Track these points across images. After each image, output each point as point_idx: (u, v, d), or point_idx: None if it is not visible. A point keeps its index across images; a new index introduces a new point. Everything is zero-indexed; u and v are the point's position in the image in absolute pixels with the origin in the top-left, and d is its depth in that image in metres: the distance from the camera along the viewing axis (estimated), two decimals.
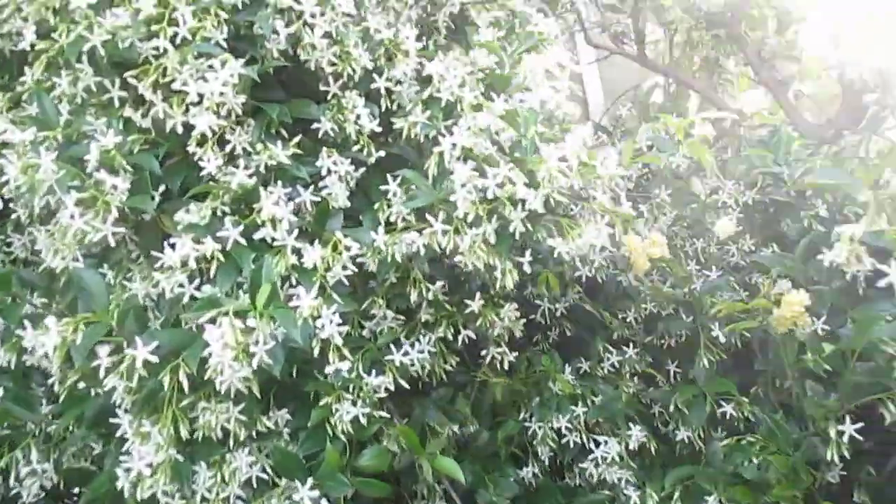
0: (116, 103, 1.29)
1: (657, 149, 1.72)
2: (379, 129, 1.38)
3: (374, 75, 1.40)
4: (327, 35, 1.32)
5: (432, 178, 1.31)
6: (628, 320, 1.88)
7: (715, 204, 1.96)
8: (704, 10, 2.35)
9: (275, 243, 1.20)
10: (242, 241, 1.18)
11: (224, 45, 1.24)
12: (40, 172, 1.11)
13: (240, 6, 1.28)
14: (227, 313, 1.05)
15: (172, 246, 1.17)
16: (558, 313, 1.83)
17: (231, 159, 1.28)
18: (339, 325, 1.12)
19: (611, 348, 1.84)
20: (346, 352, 1.12)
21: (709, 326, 1.75)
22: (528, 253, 1.30)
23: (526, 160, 1.24)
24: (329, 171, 1.31)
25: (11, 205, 1.35)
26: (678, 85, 2.56)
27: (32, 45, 1.25)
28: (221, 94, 1.18)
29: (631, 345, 1.84)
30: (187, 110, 1.23)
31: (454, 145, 1.26)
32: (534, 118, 1.29)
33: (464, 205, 1.20)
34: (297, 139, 1.30)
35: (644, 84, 2.76)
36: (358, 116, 1.36)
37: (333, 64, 1.36)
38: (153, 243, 1.27)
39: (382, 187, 1.34)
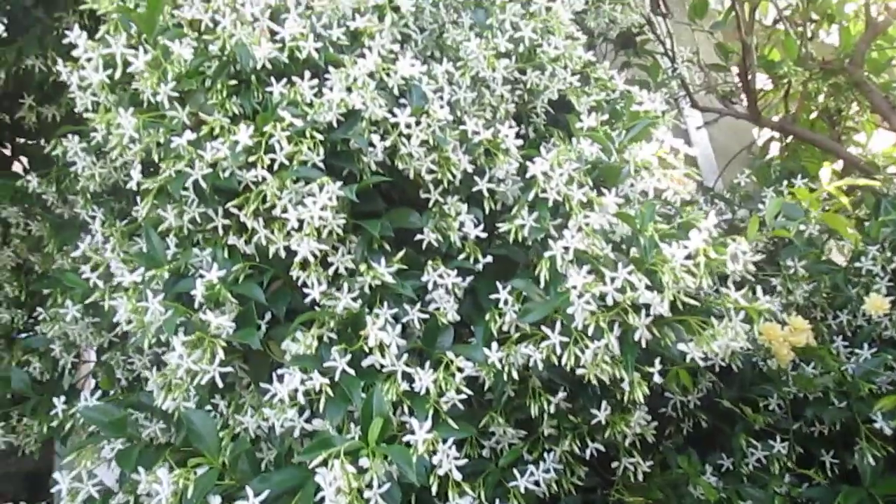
0: (220, 232, 1.28)
1: (786, 217, 1.57)
2: (484, 235, 1.31)
3: (475, 177, 1.34)
4: (424, 143, 1.28)
5: (545, 283, 1.22)
6: (771, 408, 1.71)
7: (858, 272, 1.77)
8: (819, 60, 2.20)
9: (384, 369, 1.14)
10: (351, 371, 1.12)
11: (321, 165, 1.22)
12: (148, 315, 1.10)
13: (334, 124, 1.26)
14: (338, 454, 0.99)
15: (281, 378, 1.13)
16: (691, 405, 1.68)
17: (335, 279, 1.25)
18: (457, 458, 1.03)
19: (754, 441, 1.67)
20: (466, 487, 1.03)
21: (868, 415, 1.55)
22: (657, 361, 1.18)
23: (645, 260, 1.14)
24: (435, 285, 1.25)
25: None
26: (796, 139, 2.39)
27: (139, 184, 1.27)
28: (321, 217, 1.15)
29: (777, 436, 1.66)
30: (289, 235, 1.20)
31: (566, 249, 1.18)
32: (650, 211, 1.18)
33: (581, 316, 1.11)
34: (401, 254, 1.25)
35: (759, 140, 2.60)
36: (461, 224, 1.30)
37: (432, 171, 1.31)
38: (263, 371, 1.24)
39: (492, 296, 1.27)
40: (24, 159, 2.21)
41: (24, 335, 2.02)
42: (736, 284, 1.31)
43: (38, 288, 1.92)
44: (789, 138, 2.47)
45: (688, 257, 1.11)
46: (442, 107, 1.33)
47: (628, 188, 1.35)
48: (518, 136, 1.56)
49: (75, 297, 1.58)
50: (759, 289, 1.24)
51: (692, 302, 1.11)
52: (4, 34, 1.92)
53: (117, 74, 1.22)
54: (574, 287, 1.12)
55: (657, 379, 1.17)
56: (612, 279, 1.12)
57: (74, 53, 1.27)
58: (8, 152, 2.24)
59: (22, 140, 2.22)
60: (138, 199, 1.36)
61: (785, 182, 2.05)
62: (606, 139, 1.32)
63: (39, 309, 1.80)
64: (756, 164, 2.29)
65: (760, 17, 2.48)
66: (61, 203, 1.86)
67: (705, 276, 1.10)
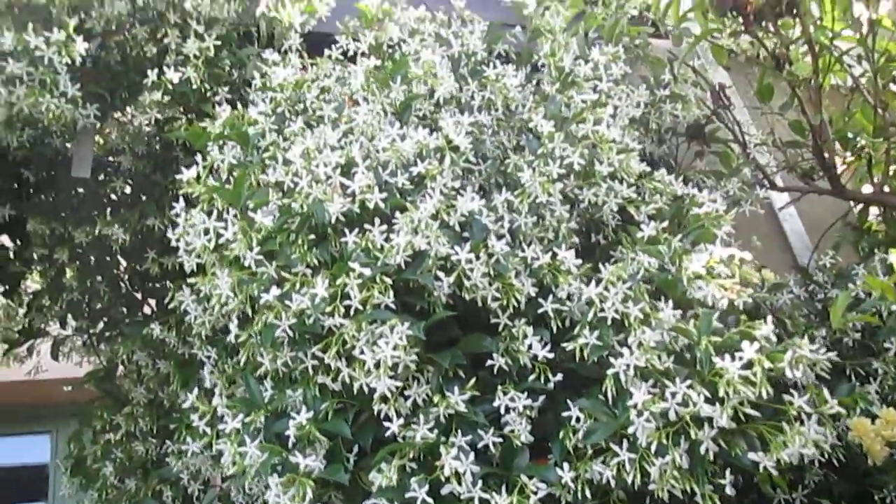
0: (311, 372, 1.41)
1: (881, 298, 1.54)
2: (551, 355, 1.38)
3: (540, 299, 1.42)
4: (486, 275, 1.38)
5: (612, 398, 1.27)
6: (888, 501, 1.63)
7: None
8: None
9: (462, 496, 1.21)
10: (430, 500, 1.20)
11: (393, 305, 1.34)
12: (248, 458, 1.23)
13: (403, 265, 1.38)
14: None
15: None
16: (797, 502, 1.63)
17: (414, 410, 1.34)
18: None
19: None
20: None
21: None
22: (728, 472, 1.19)
23: (703, 373, 1.17)
24: (507, 409, 1.32)
25: None
26: (888, 209, 2.32)
27: (237, 336, 1.43)
28: (394, 356, 1.25)
29: None
30: (369, 373, 1.31)
31: (627, 366, 1.22)
32: (707, 324, 1.22)
33: (644, 434, 1.14)
34: (472, 381, 1.33)
35: (855, 207, 2.53)
36: (529, 346, 1.37)
37: (497, 298, 1.40)
38: (356, 501, 1.33)
39: (564, 413, 1.32)
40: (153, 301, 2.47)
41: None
42: (827, 371, 1.30)
43: (166, 423, 2.12)
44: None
45: (746, 367, 1.13)
46: (502, 236, 1.44)
47: (695, 291, 1.38)
48: (588, 243, 1.64)
49: (194, 434, 1.74)
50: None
51: (753, 413, 1.12)
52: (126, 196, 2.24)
53: (212, 244, 1.39)
54: (634, 406, 1.16)
55: (729, 491, 1.17)
56: (673, 394, 1.15)
57: (178, 222, 1.47)
58: (139, 296, 2.51)
59: (150, 284, 2.49)
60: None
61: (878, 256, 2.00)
62: (663, 250, 1.37)
63: (168, 442, 1.99)
64: (847, 236, 2.23)
65: (837, 84, 2.46)
66: (181, 344, 2.07)
67: (764, 385, 1.12)
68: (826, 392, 1.20)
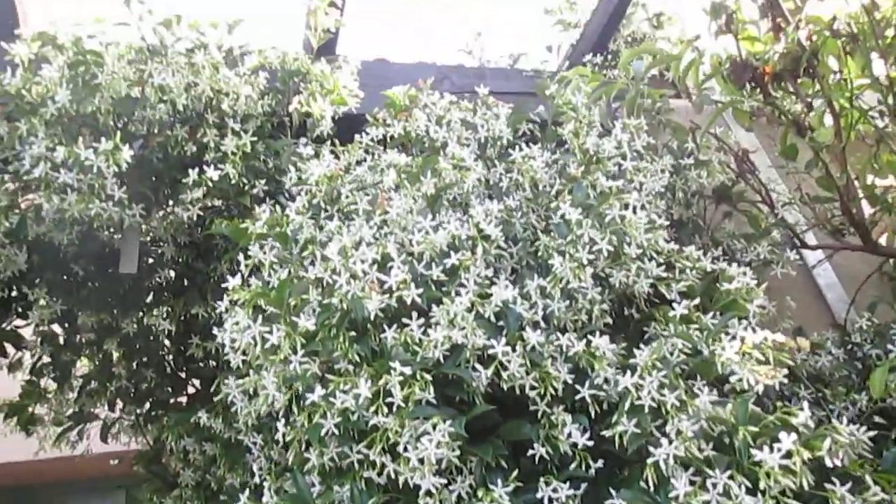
0: (357, 466, 1.44)
1: None
2: (591, 443, 1.40)
3: (577, 386, 1.45)
4: (522, 365, 1.41)
5: (653, 486, 1.28)
6: None
7: None
8: None
9: None
10: None
11: (434, 400, 1.37)
12: None
13: (441, 360, 1.42)
14: None
15: None
16: None
17: (459, 502, 1.36)
18: None
19: None
20: None
21: None
22: None
23: (742, 462, 1.18)
24: (550, 500, 1.34)
25: None
26: None
27: (284, 435, 1.47)
28: (437, 454, 1.29)
29: None
30: (413, 469, 1.35)
31: (667, 455, 1.24)
32: (743, 411, 1.24)
33: None
34: (514, 473, 1.36)
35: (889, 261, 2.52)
36: (569, 434, 1.40)
37: (534, 387, 1.44)
38: None
39: (607, 503, 1.33)
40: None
41: None
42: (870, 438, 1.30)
43: None
44: None
45: (785, 457, 1.14)
46: (536, 324, 1.47)
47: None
48: (621, 318, 1.66)
49: None
50: None
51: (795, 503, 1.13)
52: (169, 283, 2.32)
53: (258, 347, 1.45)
54: (676, 498, 1.17)
55: None
56: (714, 484, 1.17)
57: (226, 323, 1.53)
58: (183, 375, 2.58)
59: (193, 365, 2.56)
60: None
61: None
62: (697, 336, 1.40)
63: None
64: (884, 295, 2.22)
65: (862, 133, 2.48)
66: (227, 428, 2.12)
67: (805, 475, 1.13)
68: (869, 479, 1.20)
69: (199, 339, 2.30)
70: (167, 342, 2.39)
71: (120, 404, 2.60)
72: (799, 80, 2.24)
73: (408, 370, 1.36)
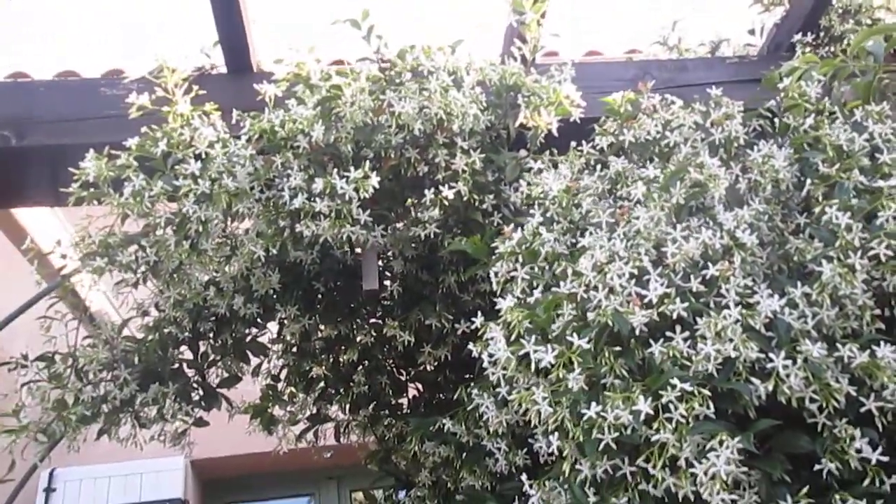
0: (629, 478, 1.47)
1: None
2: (886, 458, 1.35)
3: (861, 398, 1.40)
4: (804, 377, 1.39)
5: None
6: None
7: None
8: None
9: None
10: None
11: (712, 415, 1.38)
12: None
13: (715, 374, 1.42)
14: None
15: None
16: None
17: None
18: None
19: None
20: None
21: None
22: None
23: None
24: None
25: None
26: None
27: (558, 448, 1.53)
28: (727, 471, 1.29)
29: None
30: (694, 482, 1.36)
31: None
32: None
33: None
34: (805, 488, 1.34)
35: None
36: (858, 450, 1.36)
37: (815, 399, 1.40)
38: None
39: None
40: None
41: None
42: None
43: None
44: None
45: None
46: (807, 333, 1.44)
47: None
48: (884, 318, 1.59)
49: None
50: None
51: None
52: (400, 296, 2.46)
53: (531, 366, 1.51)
54: None
55: None
56: None
57: (489, 348, 1.61)
58: (403, 378, 2.72)
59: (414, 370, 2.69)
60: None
61: None
62: None
63: None
64: None
65: None
66: (466, 433, 2.21)
67: None
68: None
69: (431, 348, 2.42)
70: (399, 350, 2.53)
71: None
72: None
73: (687, 386, 1.37)
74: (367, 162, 2.00)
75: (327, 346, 2.62)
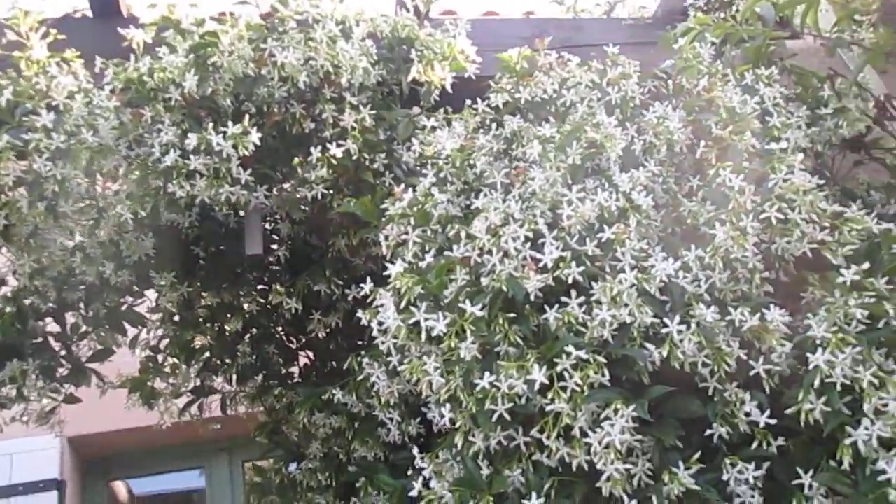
0: (522, 448, 1.43)
1: None
2: (773, 421, 1.35)
3: (751, 361, 1.40)
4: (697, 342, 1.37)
5: (849, 466, 1.24)
6: None
7: None
8: None
9: None
10: None
11: (607, 383, 1.34)
12: None
13: (611, 340, 1.38)
14: None
15: None
16: None
17: (639, 489, 1.34)
18: None
19: None
20: None
21: None
22: None
23: None
24: (738, 481, 1.31)
25: None
26: None
27: (451, 420, 1.46)
28: (622, 440, 1.26)
29: None
30: (588, 451, 1.32)
31: (869, 437, 1.19)
32: None
33: None
34: (696, 455, 1.33)
35: None
36: (747, 413, 1.35)
37: (707, 364, 1.39)
38: None
39: (795, 482, 1.30)
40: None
41: None
42: None
43: (348, 479, 2.18)
44: None
45: None
46: (700, 297, 1.42)
47: None
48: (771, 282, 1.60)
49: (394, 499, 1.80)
50: None
51: None
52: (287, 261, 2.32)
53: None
54: (890, 480, 1.13)
55: None
56: None
57: (379, 315, 1.52)
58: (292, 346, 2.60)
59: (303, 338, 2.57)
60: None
61: None
62: (890, 309, 1.33)
63: (355, 499, 2.06)
64: None
65: None
66: (358, 403, 2.13)
67: None
68: None
69: (321, 315, 2.31)
70: (287, 318, 2.40)
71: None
72: None
73: (583, 354, 1.33)
74: (249, 117, 1.85)
75: (211, 314, 2.47)
